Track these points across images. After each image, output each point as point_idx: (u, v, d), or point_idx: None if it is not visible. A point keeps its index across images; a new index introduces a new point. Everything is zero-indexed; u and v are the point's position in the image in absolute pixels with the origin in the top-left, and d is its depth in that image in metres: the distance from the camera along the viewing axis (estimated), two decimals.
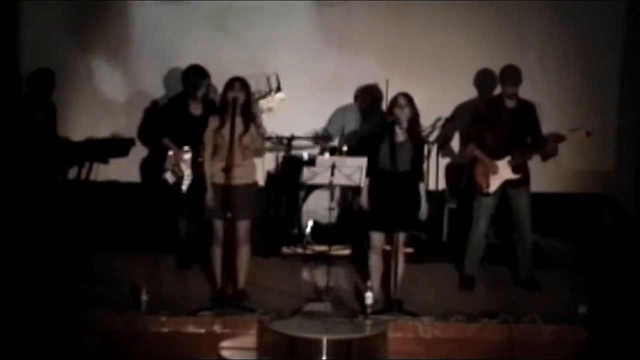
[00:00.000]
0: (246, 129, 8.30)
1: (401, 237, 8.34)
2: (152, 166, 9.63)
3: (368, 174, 8.36)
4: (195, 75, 9.33)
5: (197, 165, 9.08)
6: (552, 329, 8.14)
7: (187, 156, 9.27)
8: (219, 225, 8.29)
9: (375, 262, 8.48)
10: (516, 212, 9.04)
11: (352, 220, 9.35)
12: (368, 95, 10.15)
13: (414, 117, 8.38)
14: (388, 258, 8.43)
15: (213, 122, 8.36)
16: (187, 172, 9.25)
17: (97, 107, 10.28)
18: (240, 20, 10.40)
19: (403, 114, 8.32)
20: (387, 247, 8.48)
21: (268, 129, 9.30)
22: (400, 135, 8.35)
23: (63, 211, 8.86)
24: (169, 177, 9.29)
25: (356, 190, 8.77)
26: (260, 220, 9.08)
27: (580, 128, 9.17)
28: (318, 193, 9.75)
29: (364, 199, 8.45)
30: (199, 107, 9.33)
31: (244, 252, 8.46)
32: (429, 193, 9.95)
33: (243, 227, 8.39)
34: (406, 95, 8.40)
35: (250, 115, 8.39)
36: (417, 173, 8.46)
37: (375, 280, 8.42)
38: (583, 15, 10.44)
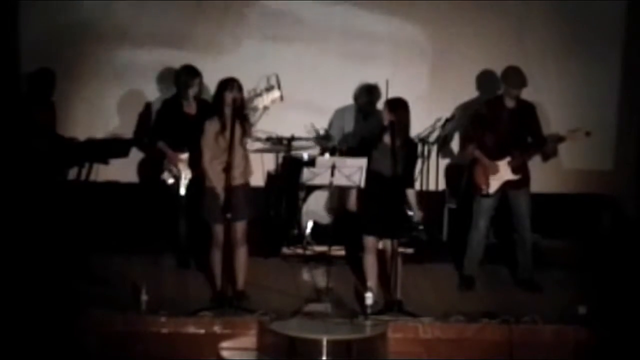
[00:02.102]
0: (245, 131, 8.30)
1: (394, 241, 8.33)
2: (151, 167, 9.62)
3: None
4: (187, 74, 9.32)
5: (195, 168, 9.06)
6: (552, 329, 8.15)
7: (184, 156, 9.26)
8: (218, 228, 8.27)
9: (370, 263, 8.47)
10: (516, 212, 9.03)
11: (346, 222, 9.31)
12: (368, 96, 10.13)
13: (405, 122, 8.35)
14: (383, 257, 8.42)
15: (213, 126, 8.30)
16: (185, 174, 9.24)
17: (96, 107, 10.27)
18: (239, 19, 10.39)
19: (394, 119, 8.31)
20: (381, 246, 8.48)
21: (268, 129, 9.30)
22: (395, 140, 8.31)
23: (63, 211, 8.86)
24: (167, 176, 9.28)
25: (346, 192, 8.72)
26: (260, 221, 9.07)
27: (579, 128, 9.17)
28: (318, 193, 9.75)
29: (352, 202, 8.43)
30: (193, 107, 9.33)
31: (241, 254, 8.44)
32: (429, 193, 10.01)
33: (240, 228, 8.37)
34: (396, 101, 8.39)
35: (246, 117, 8.37)
36: (407, 179, 8.44)
37: (372, 280, 8.41)
38: (583, 15, 10.43)
